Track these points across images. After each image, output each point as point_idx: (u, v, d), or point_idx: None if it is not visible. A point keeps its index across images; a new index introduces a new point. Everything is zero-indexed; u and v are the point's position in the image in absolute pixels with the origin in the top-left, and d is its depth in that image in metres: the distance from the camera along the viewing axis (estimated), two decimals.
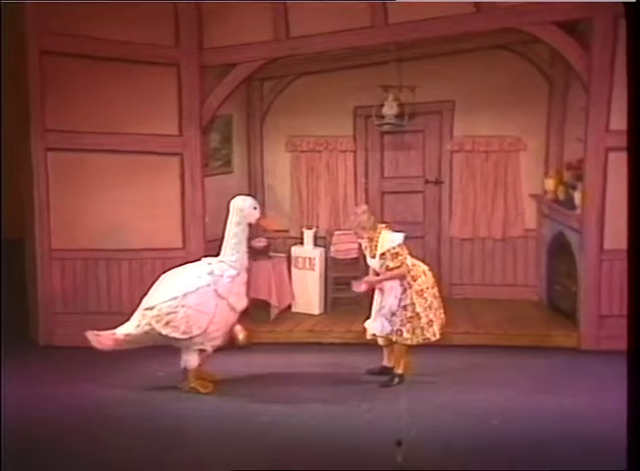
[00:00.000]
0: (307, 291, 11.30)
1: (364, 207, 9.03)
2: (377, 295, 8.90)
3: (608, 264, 10.06)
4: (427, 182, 11.99)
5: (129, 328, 8.60)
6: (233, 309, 8.60)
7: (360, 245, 9.11)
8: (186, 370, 8.66)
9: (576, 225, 10.38)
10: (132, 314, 8.79)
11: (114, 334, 8.58)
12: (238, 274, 8.60)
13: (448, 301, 11.71)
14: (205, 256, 9.07)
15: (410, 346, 8.84)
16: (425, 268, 8.92)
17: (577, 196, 10.35)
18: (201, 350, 8.59)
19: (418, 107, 11.26)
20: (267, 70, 10.87)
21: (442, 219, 12.03)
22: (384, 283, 8.76)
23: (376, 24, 10.09)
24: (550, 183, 11.20)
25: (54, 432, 7.69)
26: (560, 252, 11.08)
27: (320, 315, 11.20)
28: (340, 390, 8.80)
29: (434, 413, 8.12)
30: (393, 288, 8.71)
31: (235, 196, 8.80)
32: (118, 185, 10.31)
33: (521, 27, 10.03)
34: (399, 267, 8.65)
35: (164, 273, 9.08)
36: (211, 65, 10.31)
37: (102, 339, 8.58)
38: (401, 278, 8.69)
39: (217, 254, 8.96)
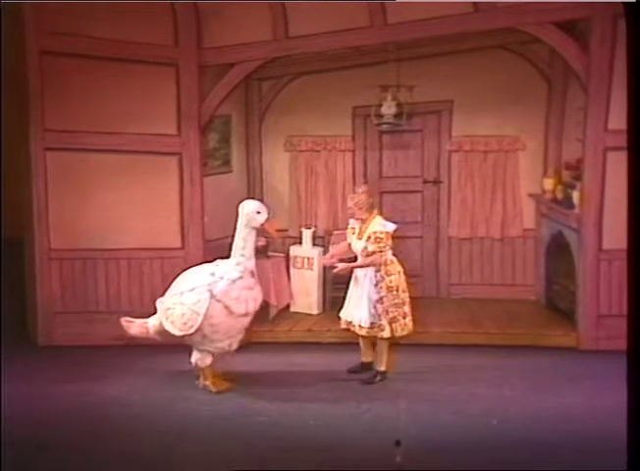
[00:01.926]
0: (306, 291, 11.30)
1: (364, 187, 9.08)
2: (352, 284, 8.92)
3: (606, 264, 10.06)
4: (426, 181, 12.00)
5: (154, 319, 8.67)
6: (231, 313, 8.48)
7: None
8: (196, 367, 8.68)
9: (575, 224, 10.39)
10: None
11: (145, 323, 8.65)
12: (240, 277, 8.53)
13: (446, 301, 11.88)
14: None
15: (392, 343, 8.85)
16: (401, 269, 8.90)
17: (576, 196, 10.36)
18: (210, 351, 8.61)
19: (417, 107, 11.25)
20: (266, 69, 10.86)
21: (440, 219, 12.03)
22: (357, 270, 8.79)
23: (375, 23, 10.08)
24: (548, 183, 11.21)
25: (54, 431, 7.68)
26: (558, 252, 11.09)
27: (319, 314, 11.19)
28: (339, 389, 8.80)
29: (433, 413, 8.12)
30: (369, 277, 8.72)
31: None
32: (116, 185, 10.31)
33: (520, 27, 10.03)
34: (376, 253, 8.65)
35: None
36: (210, 65, 10.30)
37: (133, 326, 8.67)
38: (376, 267, 8.69)
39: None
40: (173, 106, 10.28)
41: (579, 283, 10.31)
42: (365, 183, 11.84)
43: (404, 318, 8.83)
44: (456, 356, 9.80)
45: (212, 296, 8.40)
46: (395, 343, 9.00)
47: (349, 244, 9.05)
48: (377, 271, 8.73)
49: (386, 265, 8.75)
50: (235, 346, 8.69)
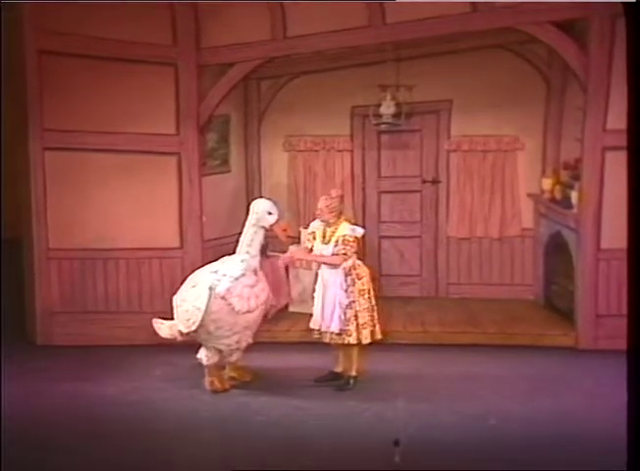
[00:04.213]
0: (304, 291, 11.29)
1: (339, 192, 8.98)
2: (318, 291, 8.80)
3: (605, 263, 10.06)
4: (424, 181, 12.00)
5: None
6: (233, 310, 8.47)
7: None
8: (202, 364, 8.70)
9: (573, 224, 10.39)
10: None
11: (175, 325, 8.66)
12: (242, 275, 8.53)
13: (445, 301, 11.89)
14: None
15: (362, 347, 8.75)
16: (368, 272, 8.82)
17: (574, 196, 10.36)
18: (218, 349, 8.61)
19: (416, 106, 11.25)
20: (264, 69, 10.87)
21: (439, 218, 12.03)
22: (324, 276, 8.72)
23: (373, 23, 10.09)
24: (547, 183, 11.21)
25: (52, 431, 7.68)
26: (557, 252, 11.09)
27: None
28: (341, 392, 8.76)
29: (432, 413, 8.12)
30: (339, 283, 8.62)
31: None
32: (115, 185, 10.31)
33: (519, 27, 10.03)
34: (340, 255, 8.54)
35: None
36: (208, 64, 10.32)
37: (163, 328, 8.72)
38: (335, 266, 8.59)
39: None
40: (172, 106, 10.29)
41: (578, 282, 10.31)
42: (361, 184, 11.91)
43: (374, 325, 8.70)
44: (455, 356, 9.80)
45: (214, 293, 8.39)
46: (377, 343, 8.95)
47: (310, 249, 8.98)
48: (347, 275, 8.61)
49: (355, 269, 8.67)
50: (244, 343, 8.67)
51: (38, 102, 10.05)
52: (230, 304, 8.45)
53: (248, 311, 8.56)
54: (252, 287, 8.62)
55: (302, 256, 8.88)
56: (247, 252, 8.60)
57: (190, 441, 7.50)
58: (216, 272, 8.56)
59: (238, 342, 8.62)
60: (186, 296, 8.53)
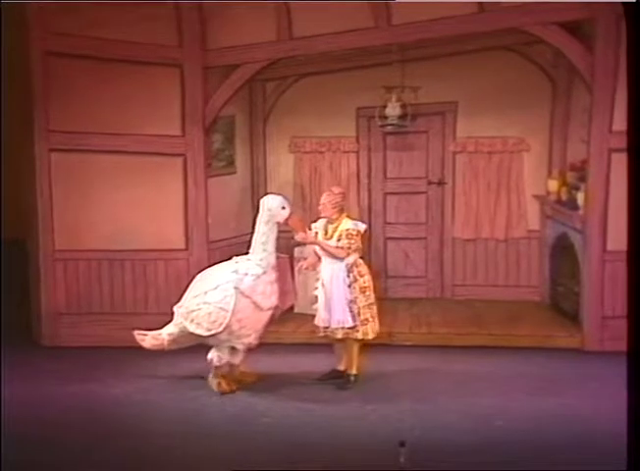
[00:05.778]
0: (310, 292, 11.27)
1: (341, 189, 9.05)
2: (320, 289, 8.80)
3: (611, 265, 10.04)
4: (430, 182, 12.01)
5: (170, 327, 8.71)
6: (259, 308, 8.51)
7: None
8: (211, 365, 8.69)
9: (579, 226, 10.38)
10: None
11: (160, 334, 8.71)
12: (264, 272, 8.54)
13: (450, 302, 11.88)
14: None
15: (361, 346, 8.79)
16: (368, 270, 8.84)
17: (580, 197, 10.35)
18: (233, 348, 8.60)
19: (421, 108, 11.25)
20: (270, 70, 10.88)
21: (445, 220, 12.04)
22: (325, 274, 8.72)
23: (379, 24, 10.09)
24: (553, 184, 11.20)
25: (57, 432, 7.69)
26: (562, 253, 11.08)
27: None
28: (343, 390, 8.78)
29: (437, 414, 8.11)
30: (342, 278, 8.64)
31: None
32: (121, 186, 10.33)
33: (524, 28, 10.02)
34: (344, 248, 8.57)
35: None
36: (214, 66, 10.33)
37: (147, 339, 8.76)
38: (339, 258, 8.60)
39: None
40: (177, 107, 10.31)
41: (584, 284, 10.30)
42: (367, 185, 11.91)
43: (373, 320, 8.76)
44: (461, 357, 9.79)
45: (239, 292, 8.42)
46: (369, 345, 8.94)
47: (314, 251, 8.95)
48: (350, 272, 8.64)
49: (357, 266, 8.70)
50: (255, 342, 8.69)
51: (44, 103, 10.07)
52: (255, 302, 8.48)
53: (270, 308, 8.63)
54: (272, 284, 8.66)
55: (313, 240, 8.82)
56: (264, 250, 8.60)
57: (195, 441, 7.50)
58: (236, 271, 8.55)
59: (255, 339, 8.64)
60: (206, 299, 8.49)
